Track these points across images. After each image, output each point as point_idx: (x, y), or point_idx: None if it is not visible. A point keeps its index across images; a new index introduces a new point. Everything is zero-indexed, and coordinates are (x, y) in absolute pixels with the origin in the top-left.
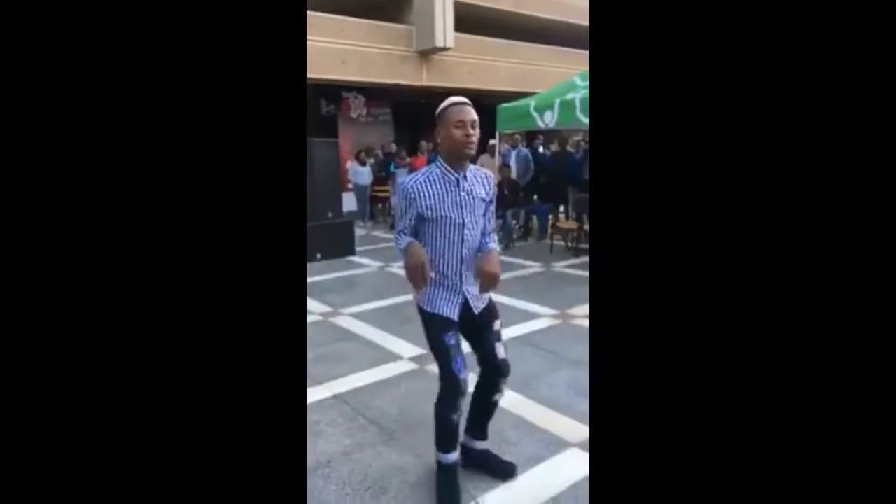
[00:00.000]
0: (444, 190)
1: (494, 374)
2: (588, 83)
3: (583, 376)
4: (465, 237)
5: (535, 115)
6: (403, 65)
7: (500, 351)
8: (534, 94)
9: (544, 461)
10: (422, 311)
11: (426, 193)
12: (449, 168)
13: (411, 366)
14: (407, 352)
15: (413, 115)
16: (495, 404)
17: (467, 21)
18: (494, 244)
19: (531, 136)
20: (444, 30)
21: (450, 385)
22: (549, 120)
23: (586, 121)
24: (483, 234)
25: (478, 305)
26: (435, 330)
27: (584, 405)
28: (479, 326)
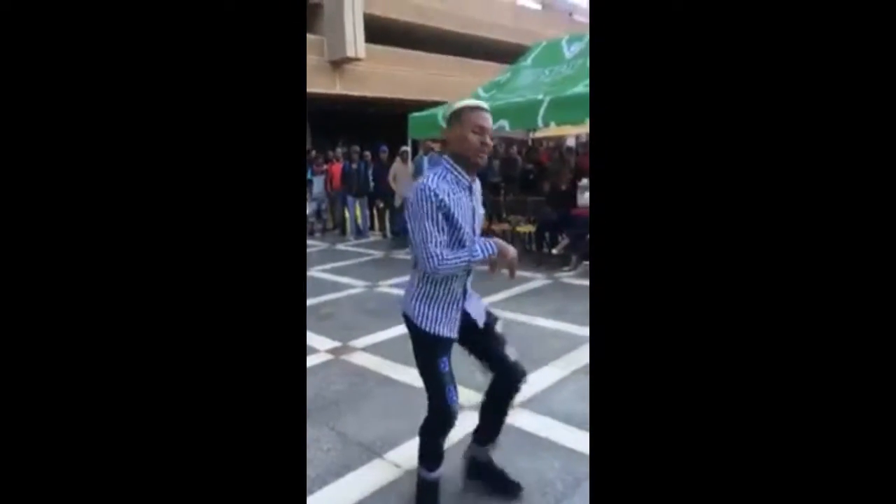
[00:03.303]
0: (460, 189)
1: (513, 375)
2: (489, 94)
3: None
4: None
5: (444, 123)
6: (316, 74)
7: (512, 353)
8: (443, 102)
9: None
10: (417, 330)
11: (450, 195)
12: (461, 173)
13: (327, 357)
14: (323, 345)
15: (328, 123)
16: (511, 406)
17: (378, 32)
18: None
19: (445, 142)
20: (355, 40)
21: (442, 416)
22: None
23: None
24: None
25: (480, 317)
26: (430, 353)
27: (479, 378)
28: (484, 333)
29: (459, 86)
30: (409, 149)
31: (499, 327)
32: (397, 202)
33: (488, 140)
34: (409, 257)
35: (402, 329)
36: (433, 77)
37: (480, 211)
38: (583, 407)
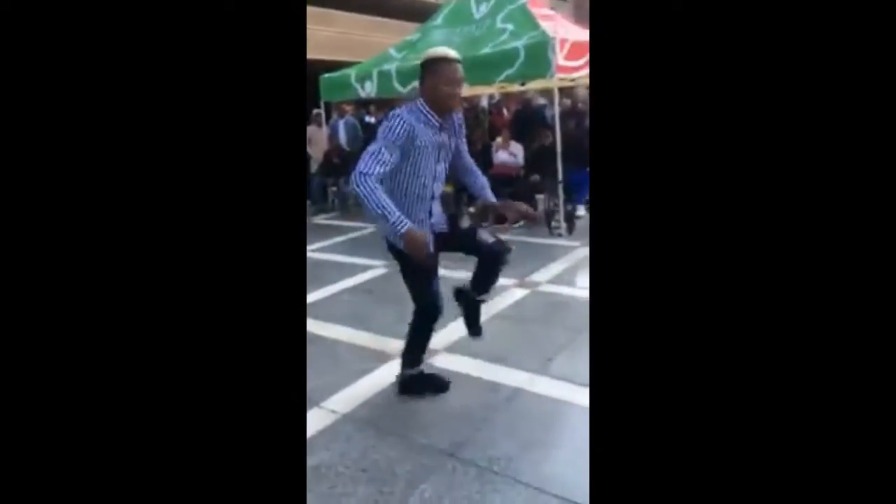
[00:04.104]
0: (428, 127)
1: (493, 255)
2: (402, 54)
3: (406, 309)
4: (436, 175)
5: (356, 84)
6: None
7: (485, 236)
8: (355, 63)
9: (377, 370)
10: (394, 248)
11: (418, 129)
12: (432, 114)
13: None
14: None
15: None
16: (500, 270)
17: None
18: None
19: (360, 105)
20: None
21: (429, 310)
22: (369, 89)
23: (403, 90)
24: (475, 175)
25: (442, 226)
26: (417, 270)
27: (405, 328)
28: (454, 235)
29: (370, 45)
30: (321, 111)
31: (463, 222)
32: (313, 168)
33: (458, 91)
34: (327, 222)
35: (326, 291)
36: (343, 36)
37: (448, 145)
38: (500, 347)
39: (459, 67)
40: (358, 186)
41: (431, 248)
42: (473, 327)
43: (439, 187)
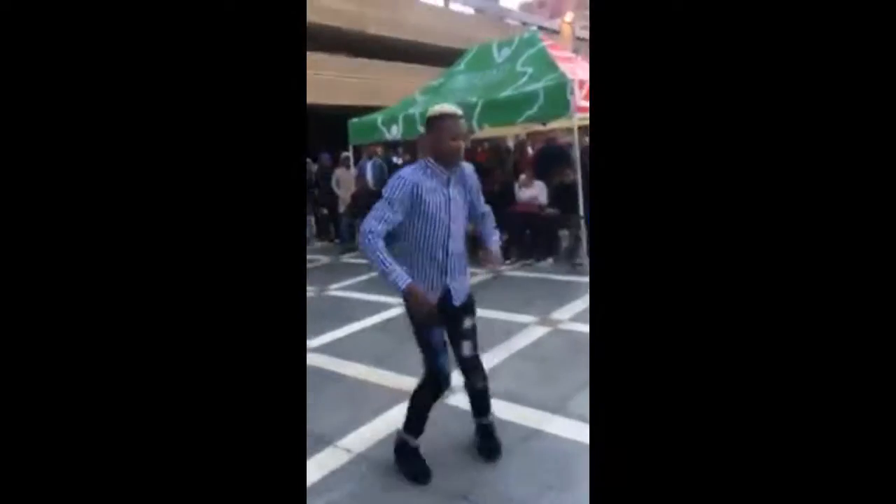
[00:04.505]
0: (435, 183)
1: (462, 368)
2: (426, 98)
3: None
4: (451, 231)
5: (383, 128)
6: None
7: (466, 348)
8: (382, 107)
9: (393, 408)
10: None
11: (424, 186)
12: (439, 168)
13: None
14: None
15: None
16: (480, 390)
17: (309, 39)
18: (495, 241)
19: (389, 147)
20: None
21: (433, 378)
22: (395, 132)
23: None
24: (486, 223)
25: (459, 298)
26: (419, 323)
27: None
28: (452, 319)
29: (397, 91)
30: (350, 154)
31: (467, 322)
32: (341, 208)
33: (462, 144)
34: (354, 261)
35: (349, 329)
36: (371, 82)
37: (459, 199)
38: (517, 385)
39: (462, 122)
40: (362, 245)
41: (434, 305)
42: (492, 453)
43: (457, 246)
